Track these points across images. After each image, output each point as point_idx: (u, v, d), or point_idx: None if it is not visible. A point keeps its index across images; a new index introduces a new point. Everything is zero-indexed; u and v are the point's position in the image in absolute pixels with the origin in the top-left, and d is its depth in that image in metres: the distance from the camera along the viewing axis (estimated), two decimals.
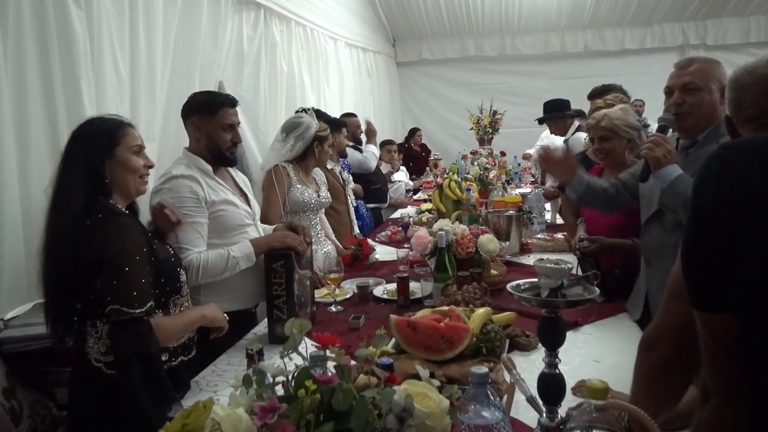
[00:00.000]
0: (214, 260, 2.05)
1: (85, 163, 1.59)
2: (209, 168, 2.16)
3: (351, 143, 4.89)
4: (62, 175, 1.59)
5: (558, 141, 5.22)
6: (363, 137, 5.13)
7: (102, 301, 1.51)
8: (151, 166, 1.76)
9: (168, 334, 1.65)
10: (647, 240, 2.00)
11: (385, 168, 5.68)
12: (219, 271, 2.06)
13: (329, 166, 3.52)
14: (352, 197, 3.79)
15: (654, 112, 2.16)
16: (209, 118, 2.14)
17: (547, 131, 5.73)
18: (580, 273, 2.31)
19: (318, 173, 3.18)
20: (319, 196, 3.01)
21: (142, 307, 1.53)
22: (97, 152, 1.61)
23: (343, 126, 3.82)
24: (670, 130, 1.90)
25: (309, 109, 3.10)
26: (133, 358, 1.48)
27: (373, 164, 4.80)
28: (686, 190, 1.72)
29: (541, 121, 4.85)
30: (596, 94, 3.46)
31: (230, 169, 2.33)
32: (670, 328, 1.05)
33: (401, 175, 6.16)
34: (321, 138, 2.97)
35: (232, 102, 2.22)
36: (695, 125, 1.86)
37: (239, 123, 2.27)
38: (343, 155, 3.85)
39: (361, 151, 4.85)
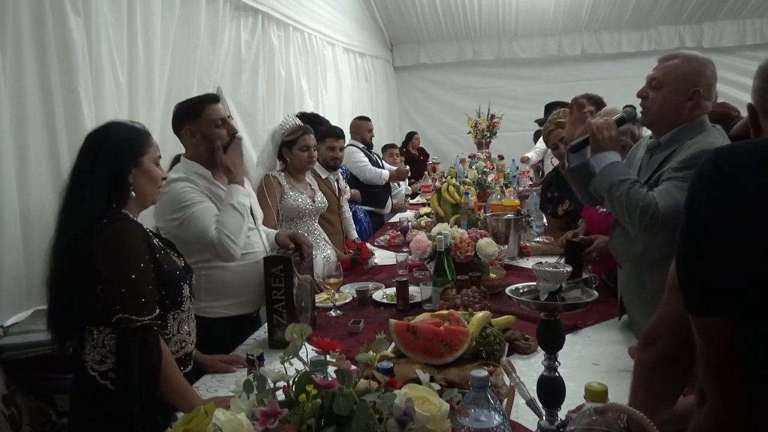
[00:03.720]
0: (225, 219, 2.01)
1: (110, 169, 1.56)
2: (208, 173, 2.14)
3: (361, 145, 4.92)
4: (82, 178, 1.55)
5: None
6: (373, 141, 5.20)
7: (104, 309, 1.49)
8: (165, 178, 1.77)
9: (168, 373, 1.54)
10: (612, 245, 2.01)
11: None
12: (239, 223, 2.03)
13: (323, 176, 3.49)
14: (347, 207, 3.75)
15: None
16: (198, 119, 2.11)
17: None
18: (562, 261, 2.32)
19: (311, 179, 3.17)
20: (314, 201, 3.01)
21: (152, 314, 1.50)
22: (125, 159, 1.59)
23: (331, 137, 3.59)
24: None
25: (293, 115, 3.11)
26: (135, 367, 1.45)
27: (369, 176, 4.81)
28: (616, 175, 1.75)
29: (542, 123, 4.86)
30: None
31: None
32: (669, 321, 1.05)
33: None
34: (288, 142, 2.93)
35: (213, 98, 2.20)
36: (653, 121, 1.84)
37: (229, 116, 2.24)
38: (336, 167, 3.64)
39: (369, 157, 4.89)
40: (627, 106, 2.06)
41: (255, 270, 2.15)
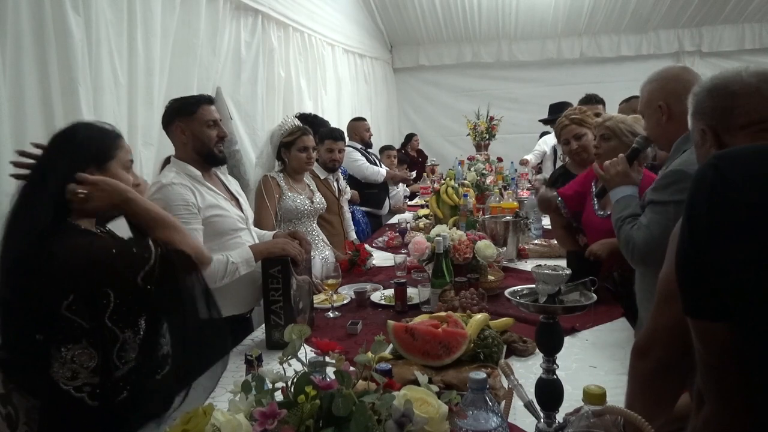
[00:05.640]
0: (213, 266, 2.04)
1: (65, 175, 1.45)
2: (198, 173, 2.15)
3: (359, 146, 4.93)
4: (33, 186, 1.44)
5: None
6: (372, 140, 5.24)
7: (70, 327, 1.43)
8: (138, 185, 1.64)
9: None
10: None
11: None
12: (218, 277, 2.05)
13: (322, 176, 3.49)
14: (347, 207, 3.76)
15: None
16: (191, 118, 2.14)
17: (546, 137, 5.76)
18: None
19: (309, 180, 3.17)
20: (312, 202, 3.01)
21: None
22: (85, 165, 1.48)
23: (330, 139, 3.57)
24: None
25: (293, 116, 3.11)
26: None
27: (368, 174, 4.83)
28: (617, 213, 1.84)
29: (546, 122, 4.87)
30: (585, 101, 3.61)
31: (220, 174, 2.33)
32: (663, 332, 1.06)
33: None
34: (286, 143, 2.93)
35: (208, 99, 2.22)
36: (660, 146, 1.94)
37: (221, 119, 2.26)
38: (334, 169, 3.63)
39: (367, 156, 4.90)
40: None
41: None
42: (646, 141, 1.97)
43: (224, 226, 2.18)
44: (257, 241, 2.32)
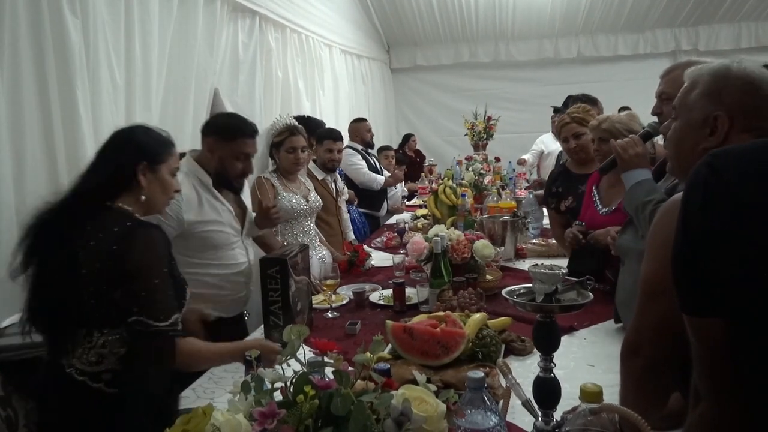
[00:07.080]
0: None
1: (122, 165, 1.58)
2: (209, 180, 2.14)
3: (360, 147, 4.94)
4: (87, 174, 1.58)
5: (552, 145, 5.25)
6: (374, 140, 5.27)
7: (117, 312, 1.46)
8: (178, 191, 1.76)
9: (196, 358, 1.62)
10: (620, 242, 2.02)
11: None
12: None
13: (320, 177, 3.50)
14: (345, 208, 3.76)
15: (646, 118, 2.23)
16: (225, 143, 2.13)
17: (543, 136, 5.77)
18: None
19: (305, 178, 3.17)
20: (308, 201, 3.01)
21: (167, 321, 1.48)
22: (138, 159, 1.59)
23: (329, 139, 3.58)
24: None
25: (288, 115, 3.11)
26: (147, 373, 1.46)
27: (364, 180, 4.85)
28: (642, 196, 1.73)
29: (557, 110, 4.84)
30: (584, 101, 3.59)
31: None
32: (650, 330, 1.07)
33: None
34: (276, 144, 2.92)
35: (252, 131, 2.19)
36: None
37: (256, 152, 2.26)
38: (333, 169, 3.64)
39: (367, 160, 4.90)
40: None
41: (235, 278, 2.25)
42: (657, 125, 1.95)
43: (218, 241, 2.20)
44: (251, 256, 2.34)
